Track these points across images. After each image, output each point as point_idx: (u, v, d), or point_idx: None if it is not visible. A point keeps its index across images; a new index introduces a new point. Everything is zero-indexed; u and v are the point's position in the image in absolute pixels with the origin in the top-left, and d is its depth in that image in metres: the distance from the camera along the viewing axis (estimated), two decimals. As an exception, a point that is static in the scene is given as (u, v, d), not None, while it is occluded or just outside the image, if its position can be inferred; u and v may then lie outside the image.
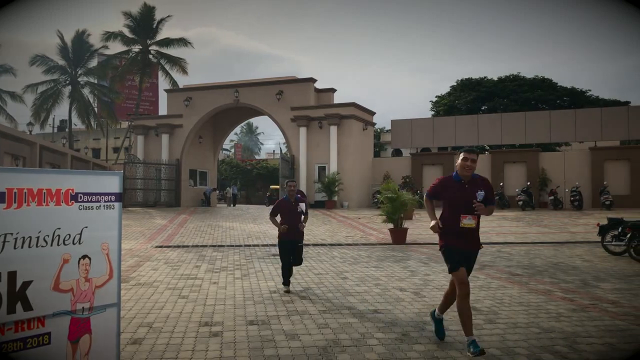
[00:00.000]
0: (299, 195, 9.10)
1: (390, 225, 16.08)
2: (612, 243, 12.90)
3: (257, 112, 36.96)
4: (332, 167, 32.20)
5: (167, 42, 46.38)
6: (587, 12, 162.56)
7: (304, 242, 9.97)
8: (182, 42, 46.22)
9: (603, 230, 13.20)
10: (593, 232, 14.74)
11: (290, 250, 8.84)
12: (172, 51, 46.52)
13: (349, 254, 13.24)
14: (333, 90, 35.95)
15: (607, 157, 31.26)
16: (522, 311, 7.25)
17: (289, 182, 9.02)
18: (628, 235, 12.22)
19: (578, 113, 33.11)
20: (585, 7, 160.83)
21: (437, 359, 5.26)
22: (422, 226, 19.74)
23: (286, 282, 8.77)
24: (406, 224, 16.67)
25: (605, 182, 29.68)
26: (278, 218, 9.08)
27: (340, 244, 15.27)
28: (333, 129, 32.47)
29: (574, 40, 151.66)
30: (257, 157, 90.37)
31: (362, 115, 34.37)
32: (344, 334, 6.12)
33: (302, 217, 8.94)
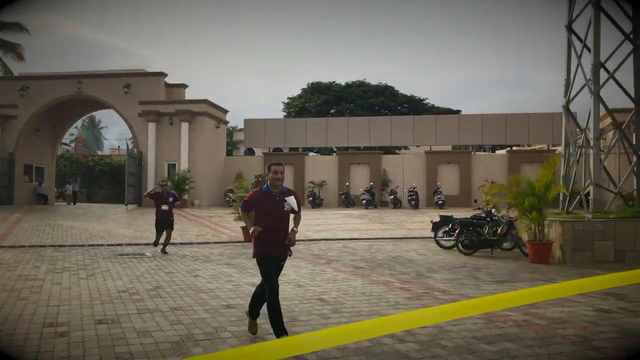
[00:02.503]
0: (285, 188, 6.02)
1: (242, 224, 16.23)
2: (443, 238, 14.23)
3: (102, 105, 35.15)
4: (183, 165, 31.61)
5: (-1, 25, 42.26)
6: (423, 24, 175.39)
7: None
8: (17, 26, 42.41)
9: (436, 227, 14.50)
10: (427, 229, 16.09)
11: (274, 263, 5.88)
12: (7, 36, 42.50)
13: (201, 253, 13.22)
14: (185, 86, 35.29)
15: (440, 161, 34.13)
16: (365, 301, 7.83)
17: (274, 166, 5.90)
18: (457, 231, 13.56)
19: (416, 119, 35.79)
20: (421, 19, 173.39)
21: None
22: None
23: (255, 314, 6.05)
24: (257, 222, 16.93)
25: (438, 183, 32.40)
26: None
27: (191, 243, 15.15)
28: (184, 126, 31.88)
29: (414, 51, 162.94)
30: (100, 152, 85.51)
31: (215, 112, 34.14)
32: (197, 329, 6.22)
33: (289, 220, 6.10)
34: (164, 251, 13.00)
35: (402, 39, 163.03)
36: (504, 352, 5.46)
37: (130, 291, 8.45)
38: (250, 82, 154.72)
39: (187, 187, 30.55)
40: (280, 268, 5.98)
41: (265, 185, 5.88)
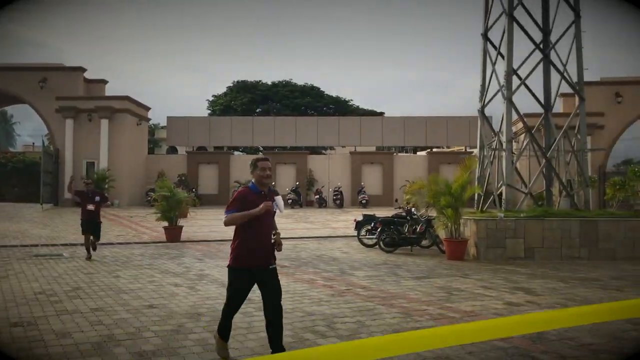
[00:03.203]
0: (271, 187, 5.56)
1: (165, 224, 16.00)
2: (366, 237, 14.60)
3: (16, 100, 33.51)
4: (103, 163, 30.58)
5: None
6: (349, 26, 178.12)
7: None
8: None
9: (359, 226, 14.86)
10: (351, 228, 16.43)
11: (250, 283, 5.25)
12: None
13: (121, 253, 12.92)
14: (105, 82, 34.17)
15: (364, 161, 34.84)
16: (289, 298, 7.96)
17: (262, 162, 5.28)
18: (378, 230, 13.95)
19: (341, 120, 36.34)
20: (347, 22, 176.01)
21: (211, 345, 5.60)
22: (196, 224, 19.94)
23: (226, 336, 5.34)
24: (181, 222, 16.74)
25: (362, 183, 33.07)
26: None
27: (111, 243, 14.75)
28: (104, 123, 30.86)
29: (340, 52, 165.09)
30: (12, 149, 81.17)
31: (136, 109, 33.23)
32: (119, 329, 6.14)
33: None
34: (88, 258, 11.86)
35: (328, 40, 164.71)
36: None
37: (47, 293, 8.18)
38: (173, 79, 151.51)
39: (106, 186, 29.57)
40: (275, 275, 5.15)
41: (251, 184, 5.24)
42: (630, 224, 12.93)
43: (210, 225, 20.00)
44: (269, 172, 5.22)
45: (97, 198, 12.29)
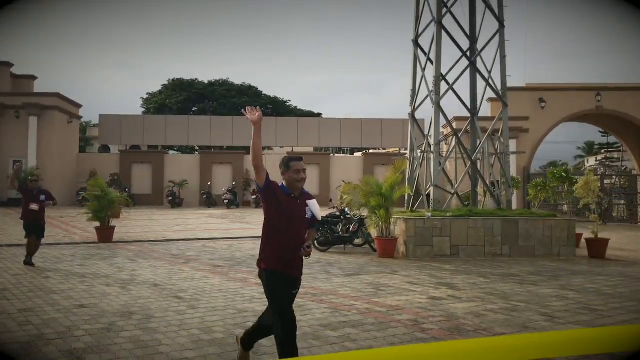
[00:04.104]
0: (305, 190, 4.69)
1: (97, 224, 15.73)
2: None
3: None
4: (31, 162, 29.48)
5: None
6: (287, 27, 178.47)
7: None
8: None
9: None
10: (286, 228, 16.61)
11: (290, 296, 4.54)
12: None
13: (51, 254, 12.65)
14: (34, 78, 33.01)
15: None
16: (222, 297, 8.12)
17: (295, 162, 4.58)
18: (312, 229, 14.22)
19: (279, 121, 36.53)
20: (285, 22, 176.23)
21: (143, 342, 5.71)
22: (129, 224, 19.67)
23: (249, 346, 4.96)
24: (113, 222, 16.49)
25: (299, 184, 33.35)
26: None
27: (41, 244, 14.36)
28: (33, 120, 29.78)
29: (278, 52, 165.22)
30: None
31: (67, 107, 32.24)
32: (49, 329, 6.14)
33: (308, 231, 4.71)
34: (29, 262, 10.81)
35: (266, 40, 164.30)
36: (345, 337, 6.05)
37: (-29, 295, 8.00)
38: (106, 76, 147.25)
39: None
40: (293, 296, 4.50)
41: (281, 184, 4.50)
42: (547, 223, 13.76)
43: (144, 226, 19.78)
44: (303, 174, 4.47)
45: (43, 197, 11.37)
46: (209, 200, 31.86)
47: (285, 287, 4.37)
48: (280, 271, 4.35)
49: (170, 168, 34.08)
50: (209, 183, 32.93)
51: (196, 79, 52.05)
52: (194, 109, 49.51)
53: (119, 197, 16.99)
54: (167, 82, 51.95)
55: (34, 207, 11.14)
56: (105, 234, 15.37)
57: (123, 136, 34.68)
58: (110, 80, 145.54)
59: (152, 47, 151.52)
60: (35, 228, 11.14)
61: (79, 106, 34.43)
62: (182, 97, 49.50)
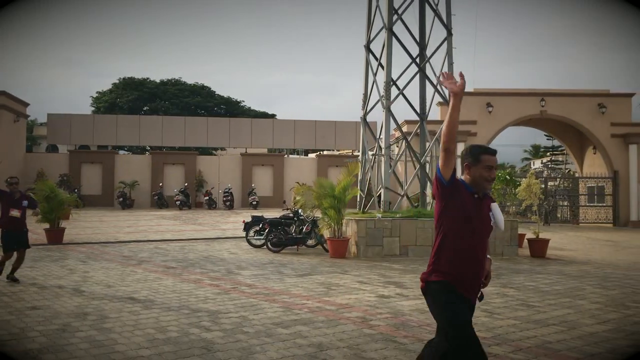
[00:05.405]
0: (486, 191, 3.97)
1: (46, 225, 15.50)
2: (254, 237, 15.01)
3: None
4: (-26, 161, 28.61)
5: None
6: (240, 26, 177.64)
7: None
8: None
9: (247, 227, 15.23)
10: (240, 229, 16.74)
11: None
12: None
13: (-1, 256, 12.42)
14: (-23, 75, 31.93)
15: (255, 163, 35.23)
16: (175, 297, 8.25)
17: (487, 155, 3.74)
18: (266, 230, 14.43)
19: (232, 121, 36.50)
20: (238, 21, 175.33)
21: (98, 341, 5.81)
22: (80, 225, 19.39)
23: None
24: (63, 223, 16.26)
25: (253, 185, 33.44)
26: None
27: (-14, 246, 14.08)
28: (-24, 119, 28.89)
29: (232, 52, 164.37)
30: None
31: (13, 105, 31.33)
32: (2, 330, 6.16)
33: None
34: (12, 278, 9.31)
35: (219, 39, 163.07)
36: (297, 333, 6.29)
37: None
38: (54, 74, 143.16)
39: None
40: (470, 317, 3.68)
41: (461, 179, 3.71)
42: (491, 223, 14.34)
43: (94, 227, 19.55)
44: (494, 172, 3.69)
45: (25, 202, 9.87)
46: (160, 201, 31.55)
47: (461, 303, 3.57)
48: (455, 287, 3.58)
49: (121, 168, 33.60)
50: (161, 184, 32.61)
51: (147, 78, 51.37)
52: (145, 109, 48.81)
53: (68, 198, 16.81)
54: (117, 81, 51.06)
55: (15, 213, 9.59)
56: (54, 236, 15.17)
57: (72, 136, 33.99)
58: (58, 78, 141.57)
59: (102, 45, 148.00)
60: (16, 238, 9.57)
61: (26, 104, 33.50)
62: (133, 96, 48.74)
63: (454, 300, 3.54)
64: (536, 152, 67.31)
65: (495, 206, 3.77)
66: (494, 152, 3.70)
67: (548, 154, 61.95)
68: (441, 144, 3.47)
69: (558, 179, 33.41)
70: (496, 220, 3.72)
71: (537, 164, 65.20)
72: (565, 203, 29.93)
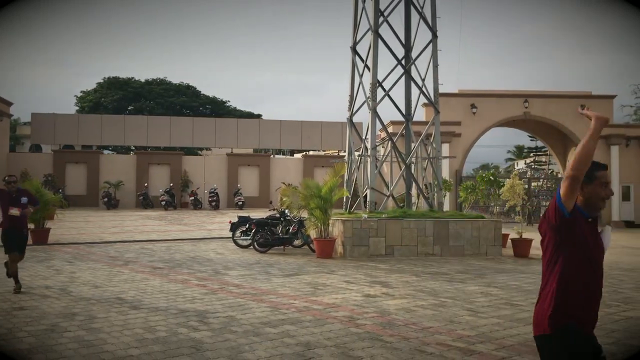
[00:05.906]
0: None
1: (31, 226, 15.36)
2: (241, 238, 15.05)
3: None
4: (-44, 161, 28.33)
5: None
6: (227, 26, 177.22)
7: None
8: None
9: (234, 227, 15.26)
10: (226, 229, 16.78)
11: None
12: None
13: (-17, 257, 12.36)
14: (-41, 74, 31.57)
15: (241, 163, 35.21)
16: (163, 297, 8.29)
17: (602, 171, 3.23)
18: (253, 231, 14.48)
19: (218, 121, 36.43)
20: (224, 21, 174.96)
21: (87, 341, 5.84)
22: (65, 226, 19.28)
23: None
24: (48, 224, 16.19)
25: (239, 185, 33.40)
26: None
27: (-30, 247, 13.98)
28: (-42, 118, 28.58)
29: (217, 52, 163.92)
30: None
31: (-4, 105, 31.08)
32: (-10, 331, 6.17)
33: None
34: (17, 289, 8.67)
35: (205, 39, 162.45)
36: (285, 333, 6.37)
37: None
38: (38, 73, 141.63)
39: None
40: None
41: (575, 204, 3.11)
42: (476, 224, 14.54)
43: (79, 228, 19.45)
44: (611, 189, 3.23)
45: (24, 199, 9.14)
46: (145, 202, 31.41)
47: (590, 349, 3.09)
48: (580, 328, 3.08)
49: (106, 168, 33.39)
50: (146, 184, 32.45)
51: (132, 78, 51.07)
52: (130, 108, 48.50)
53: (53, 199, 16.74)
54: (102, 80, 50.68)
55: (14, 212, 8.94)
56: (40, 236, 15.10)
57: (57, 135, 33.70)
58: (42, 77, 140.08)
59: (86, 45, 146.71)
60: (16, 238, 9.00)
61: (9, 104, 33.21)
62: (117, 96, 48.42)
63: (587, 348, 3.07)
64: (520, 152, 67.98)
65: (607, 229, 3.36)
66: (605, 167, 3.25)
67: (531, 154, 62.60)
68: (570, 169, 2.98)
69: (541, 180, 33.80)
70: (605, 243, 3.32)
71: (520, 165, 65.86)
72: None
